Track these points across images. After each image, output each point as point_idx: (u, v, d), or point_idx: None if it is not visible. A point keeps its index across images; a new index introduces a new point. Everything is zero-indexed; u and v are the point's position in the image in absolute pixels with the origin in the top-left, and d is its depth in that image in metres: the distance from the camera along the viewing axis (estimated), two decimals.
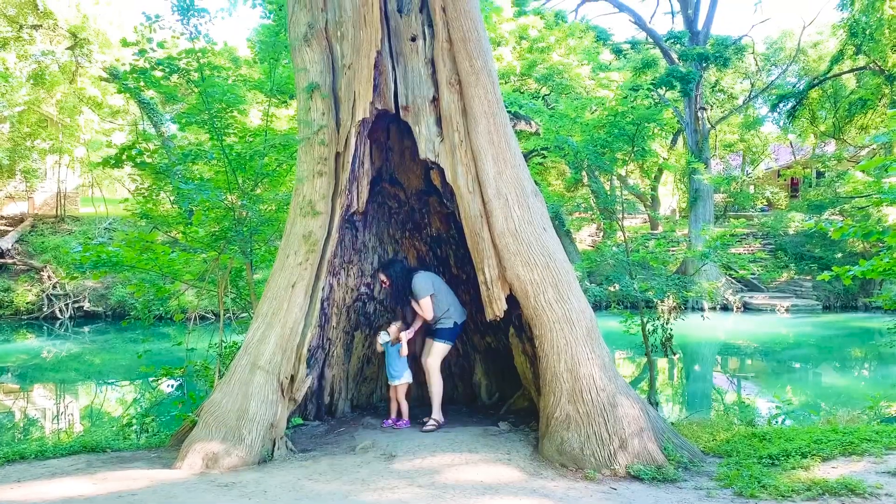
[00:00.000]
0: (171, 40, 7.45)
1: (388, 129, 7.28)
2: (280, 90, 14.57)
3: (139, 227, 14.29)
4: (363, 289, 7.40)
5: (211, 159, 7.38)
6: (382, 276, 6.93)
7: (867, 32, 22.84)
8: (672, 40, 26.15)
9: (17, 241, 23.21)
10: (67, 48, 26.12)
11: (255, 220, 7.41)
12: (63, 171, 28.46)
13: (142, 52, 7.12)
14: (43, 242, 23.36)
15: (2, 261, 22.09)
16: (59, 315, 21.12)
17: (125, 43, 7.24)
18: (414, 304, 6.77)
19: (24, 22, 24.80)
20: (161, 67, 7.06)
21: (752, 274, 24.05)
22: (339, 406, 7.27)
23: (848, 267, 6.24)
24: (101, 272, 7.28)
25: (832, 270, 6.42)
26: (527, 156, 18.91)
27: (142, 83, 7.57)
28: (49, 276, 21.63)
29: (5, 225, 25.03)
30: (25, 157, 26.59)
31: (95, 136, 28.51)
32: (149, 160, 7.12)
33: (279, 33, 9.37)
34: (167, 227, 9.01)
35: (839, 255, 25.16)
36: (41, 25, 25.19)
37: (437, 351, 6.75)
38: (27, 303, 21.08)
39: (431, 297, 6.66)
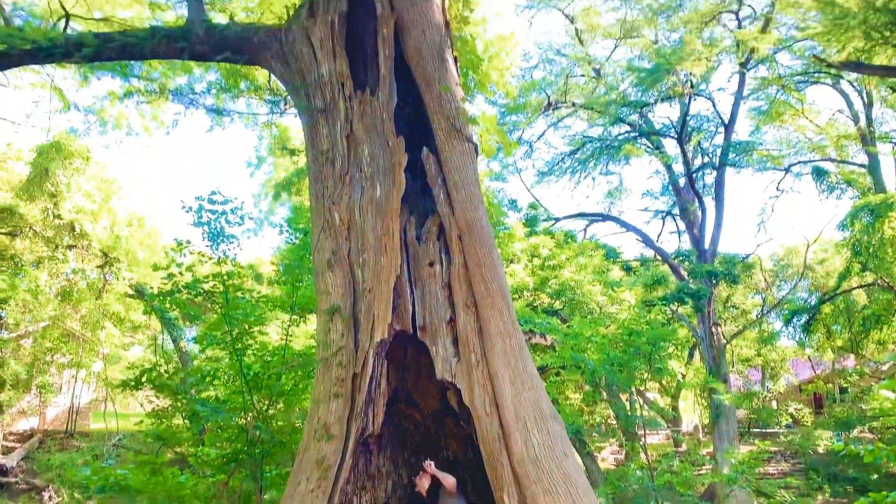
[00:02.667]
0: (199, 262, 7.80)
1: (406, 349, 7.35)
2: (300, 307, 14.92)
3: (148, 443, 13.99)
4: None
5: (227, 379, 7.41)
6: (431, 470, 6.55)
7: (870, 251, 23.48)
8: (680, 258, 26.95)
9: (23, 459, 22.65)
10: (97, 266, 27.27)
11: (268, 441, 7.26)
12: (78, 385, 28.48)
13: (170, 275, 7.43)
14: (49, 460, 22.76)
15: (5, 479, 21.40)
16: None
17: (155, 268, 7.60)
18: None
19: (59, 242, 26.14)
20: (187, 290, 7.33)
21: (783, 501, 22.80)
22: None
23: (885, 493, 5.92)
24: (106, 496, 7.03)
25: (869, 496, 6.09)
26: (542, 370, 18.83)
27: (167, 303, 7.82)
28: (50, 497, 20.83)
29: (14, 441, 24.58)
30: (43, 371, 26.76)
31: (114, 350, 28.87)
32: (168, 382, 7.16)
33: (303, 257, 9.85)
34: (178, 444, 8.83)
35: (875, 475, 23.90)
36: (76, 245, 26.51)
37: None
38: None
39: None
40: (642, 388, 24.49)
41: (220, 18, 14.71)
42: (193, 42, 8.47)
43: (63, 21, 11.37)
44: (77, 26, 14.03)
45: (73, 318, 27.95)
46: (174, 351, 25.82)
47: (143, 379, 6.95)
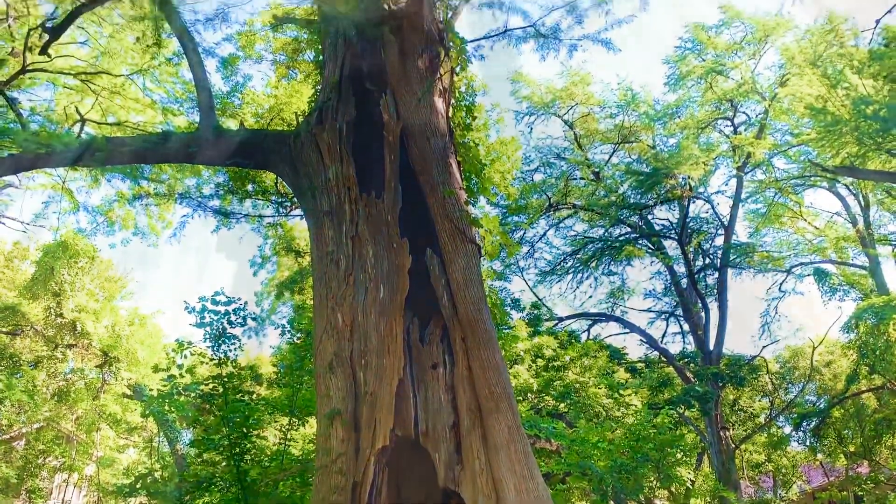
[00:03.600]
0: (199, 362, 7.73)
1: (407, 454, 7.15)
2: (300, 409, 14.64)
3: None
4: None
5: (223, 485, 7.19)
6: None
7: (877, 354, 23.19)
8: (685, 360, 26.64)
9: None
10: (96, 366, 26.98)
11: None
12: (69, 490, 27.60)
13: (171, 377, 7.34)
14: None
15: None
16: None
17: (156, 369, 7.53)
18: None
19: (60, 341, 25.98)
20: (187, 392, 7.23)
21: None
22: None
23: None
24: None
25: None
26: (547, 476, 18.23)
27: (166, 405, 7.70)
28: None
29: None
30: (34, 475, 25.99)
31: (109, 452, 28.15)
32: (163, 488, 6.94)
33: (304, 358, 9.77)
34: None
35: None
36: (76, 345, 26.33)
37: None
38: None
39: None
40: (651, 496, 23.67)
41: (230, 124, 15.22)
42: (204, 147, 8.71)
43: (78, 125, 11.74)
44: (92, 130, 14.49)
45: (68, 418, 27.40)
46: (170, 454, 25.17)
47: (139, 485, 6.75)
